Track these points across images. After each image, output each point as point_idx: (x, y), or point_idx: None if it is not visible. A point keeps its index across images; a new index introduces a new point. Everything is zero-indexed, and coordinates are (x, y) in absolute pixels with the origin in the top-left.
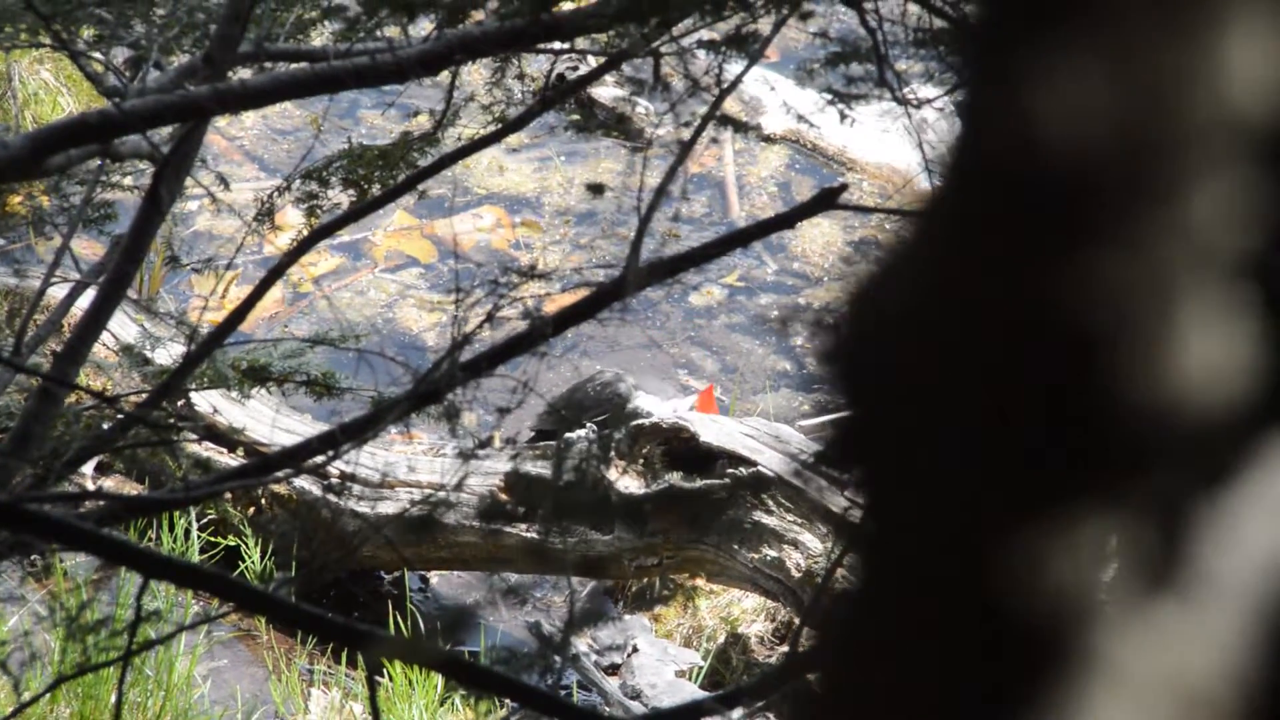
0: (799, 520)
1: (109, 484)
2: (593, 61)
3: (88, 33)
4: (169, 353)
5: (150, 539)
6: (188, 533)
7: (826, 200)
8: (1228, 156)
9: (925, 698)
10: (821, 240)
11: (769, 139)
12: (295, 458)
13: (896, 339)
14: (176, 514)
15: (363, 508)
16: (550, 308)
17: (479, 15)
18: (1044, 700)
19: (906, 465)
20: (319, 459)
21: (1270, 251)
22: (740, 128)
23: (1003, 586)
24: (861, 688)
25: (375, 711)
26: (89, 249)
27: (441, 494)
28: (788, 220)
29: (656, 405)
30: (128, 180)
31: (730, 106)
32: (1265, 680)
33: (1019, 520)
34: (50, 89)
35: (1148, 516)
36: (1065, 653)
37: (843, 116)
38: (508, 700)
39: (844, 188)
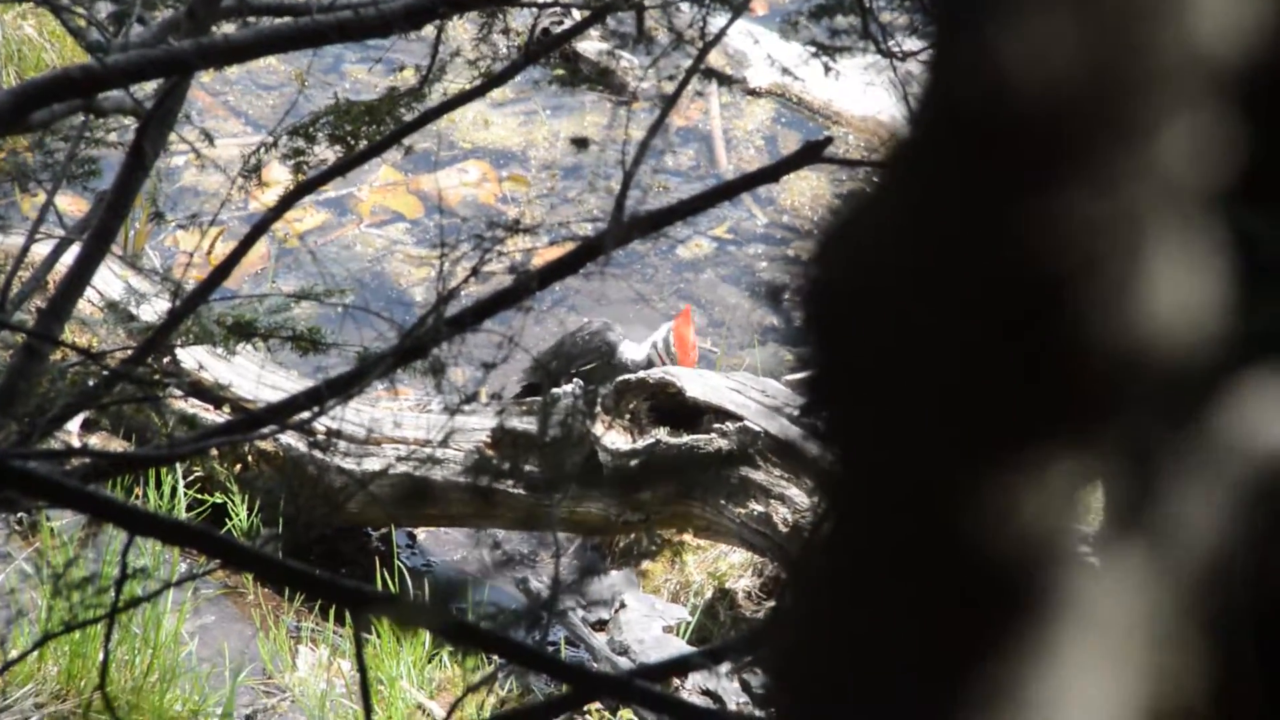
0: (785, 475)
1: (95, 441)
2: (577, 15)
3: None
4: (154, 309)
5: (137, 496)
6: (174, 490)
7: (812, 153)
8: (1195, 96)
9: (897, 642)
10: (810, 193)
11: (755, 92)
12: (281, 414)
13: (867, 281)
14: (163, 471)
15: (349, 464)
16: (537, 262)
17: None
18: (1015, 643)
19: (877, 408)
20: (305, 415)
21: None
22: (725, 81)
23: (973, 530)
24: (833, 634)
25: (362, 668)
26: (73, 205)
27: (428, 451)
28: (772, 173)
29: (632, 348)
30: (112, 136)
31: (715, 60)
32: (1231, 620)
33: (989, 463)
34: (34, 44)
35: (1117, 458)
36: (1036, 596)
37: (827, 69)
38: (496, 656)
39: (829, 140)
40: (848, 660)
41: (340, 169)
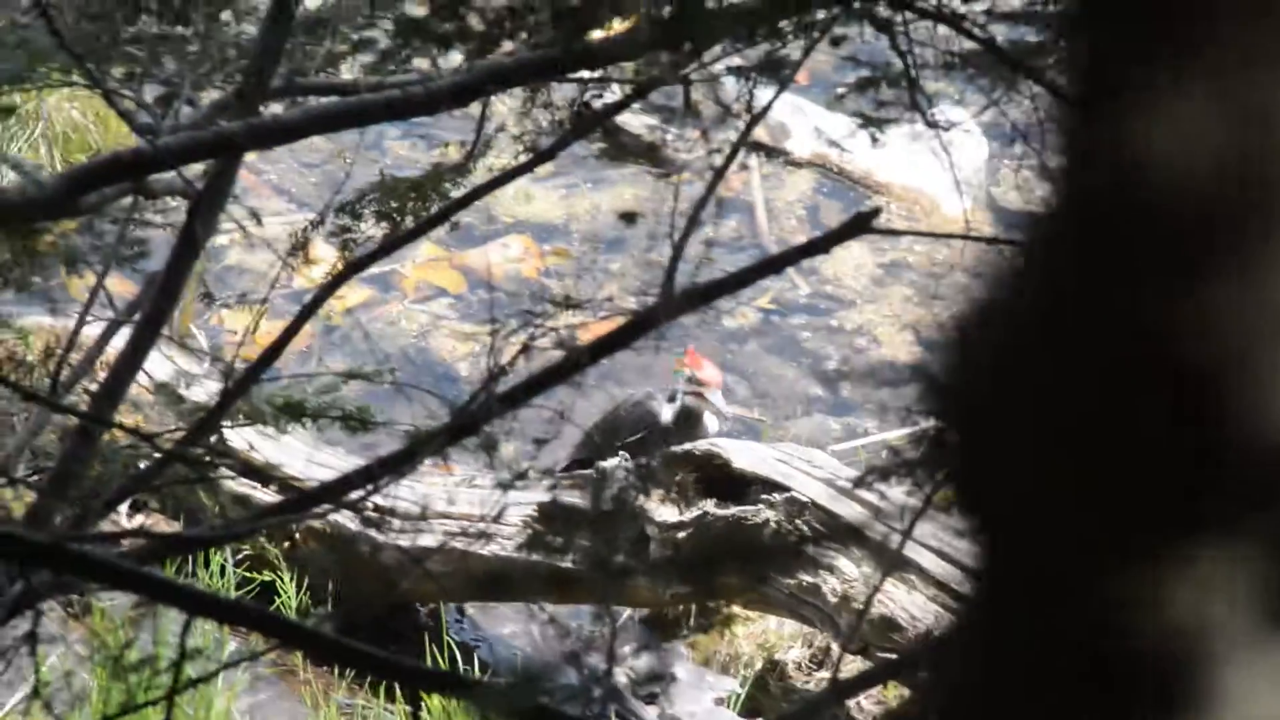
0: (834, 545)
1: (143, 521)
2: (617, 90)
3: (119, 70)
4: (204, 389)
5: (186, 576)
6: (223, 569)
7: (861, 224)
8: None
9: None
10: (852, 263)
11: (796, 163)
12: (335, 492)
13: (1007, 375)
14: (213, 550)
15: (403, 541)
16: (584, 336)
17: (509, 45)
18: None
19: (1022, 504)
20: (359, 493)
21: None
22: (770, 153)
23: (1122, 626)
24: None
25: None
26: (121, 287)
27: (480, 526)
28: (823, 244)
29: (667, 409)
30: (159, 217)
31: (757, 132)
32: None
33: (1137, 558)
34: (79, 127)
35: (1266, 552)
36: (1185, 690)
37: (874, 140)
38: None
39: (877, 211)
40: None
41: (390, 246)
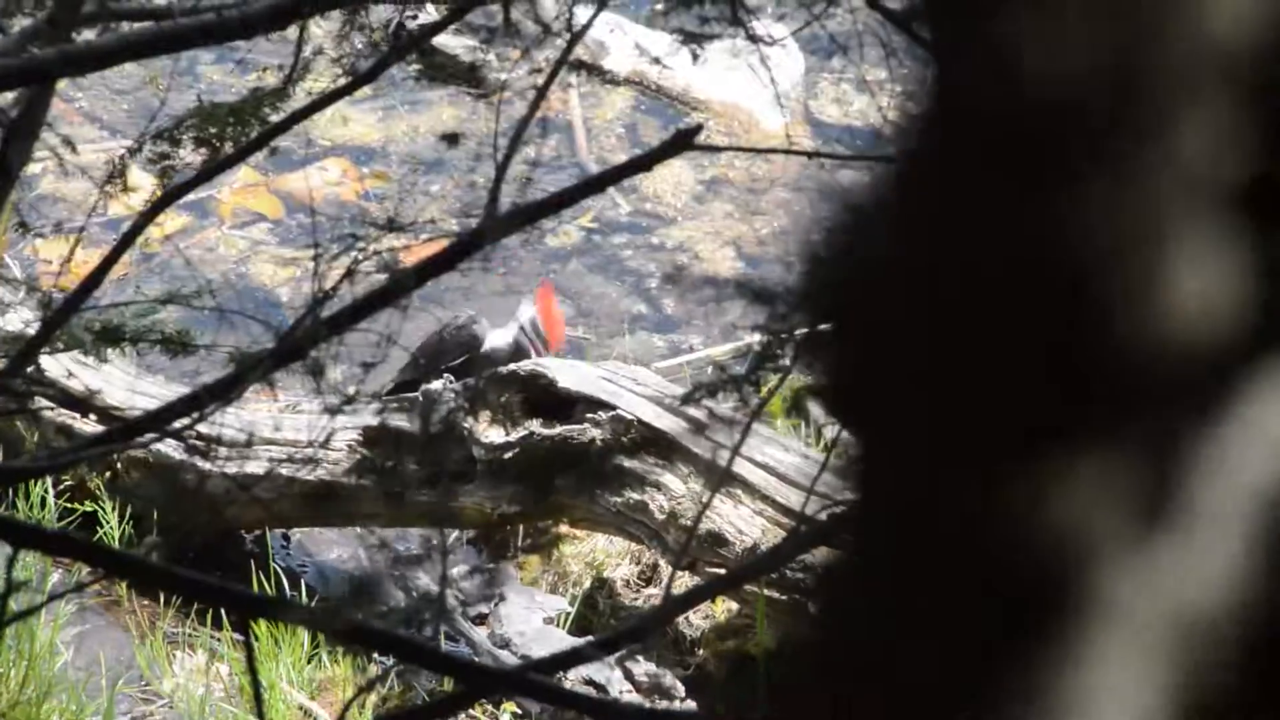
0: (660, 462)
1: None
2: (434, 10)
3: None
4: (19, 319)
5: (6, 507)
6: (43, 501)
7: (683, 141)
8: (1213, 85)
9: (926, 648)
10: (673, 180)
11: (613, 81)
12: (161, 420)
13: (884, 285)
14: (32, 481)
15: (230, 468)
16: (408, 259)
17: None
18: (1046, 643)
19: (900, 410)
20: (185, 421)
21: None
22: (591, 70)
23: (1001, 529)
24: (859, 642)
25: (254, 675)
26: None
27: (309, 452)
28: (645, 162)
29: (498, 335)
30: None
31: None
32: (1262, 611)
33: (1016, 461)
34: None
35: (1142, 453)
36: (1065, 594)
37: (695, 57)
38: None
39: (699, 128)
40: (875, 666)
41: (210, 173)
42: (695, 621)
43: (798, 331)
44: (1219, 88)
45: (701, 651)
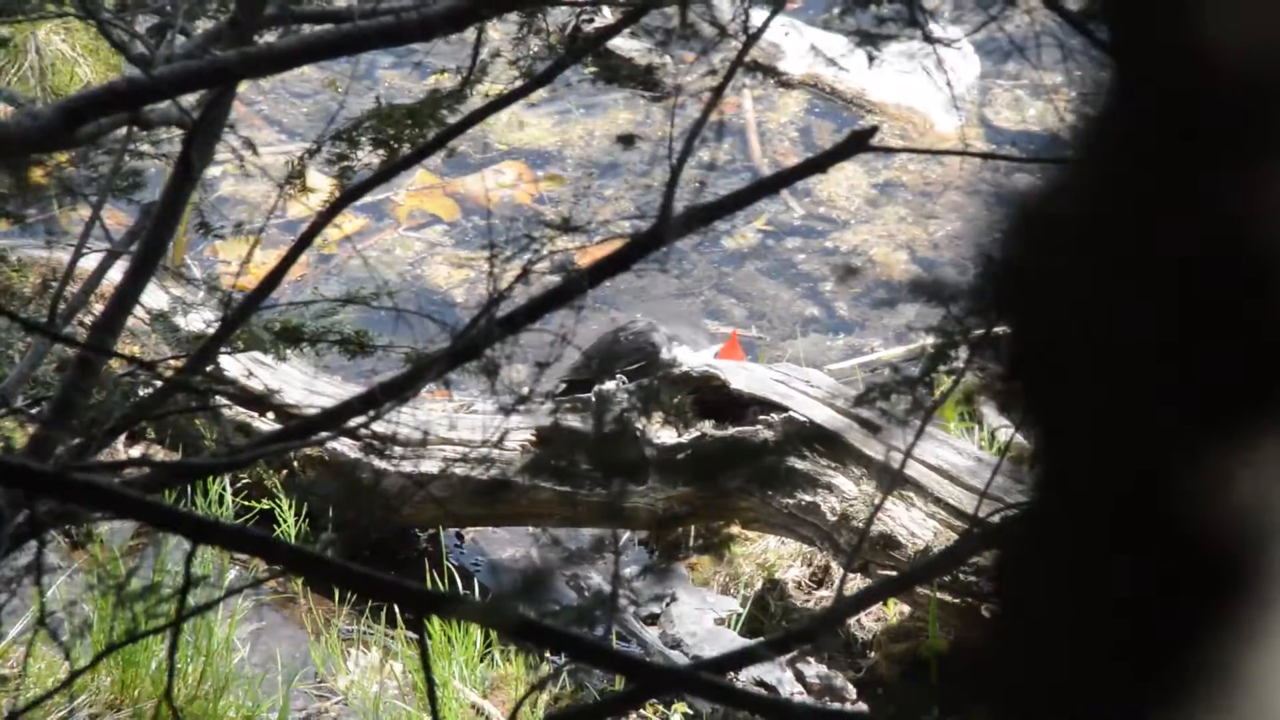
0: (833, 464)
1: (139, 452)
2: (610, 14)
3: (112, 1)
4: (200, 318)
5: (186, 505)
6: (221, 498)
7: (858, 142)
8: None
9: (1111, 622)
10: (846, 184)
11: (788, 84)
12: (337, 418)
13: (1073, 262)
14: (211, 479)
15: (405, 467)
16: (582, 260)
17: None
18: (1225, 619)
19: (1085, 384)
20: (361, 419)
21: None
22: (766, 72)
23: (1183, 505)
24: (1038, 613)
25: (428, 672)
26: (113, 219)
27: (484, 450)
28: (820, 164)
29: (689, 355)
30: (155, 148)
31: (750, 53)
32: None
33: (1199, 437)
34: (67, 59)
35: None
36: (1246, 571)
37: (870, 58)
38: (550, 654)
39: (874, 130)
40: (1060, 643)
41: (388, 173)
42: (867, 624)
43: (973, 333)
44: None
45: (873, 654)
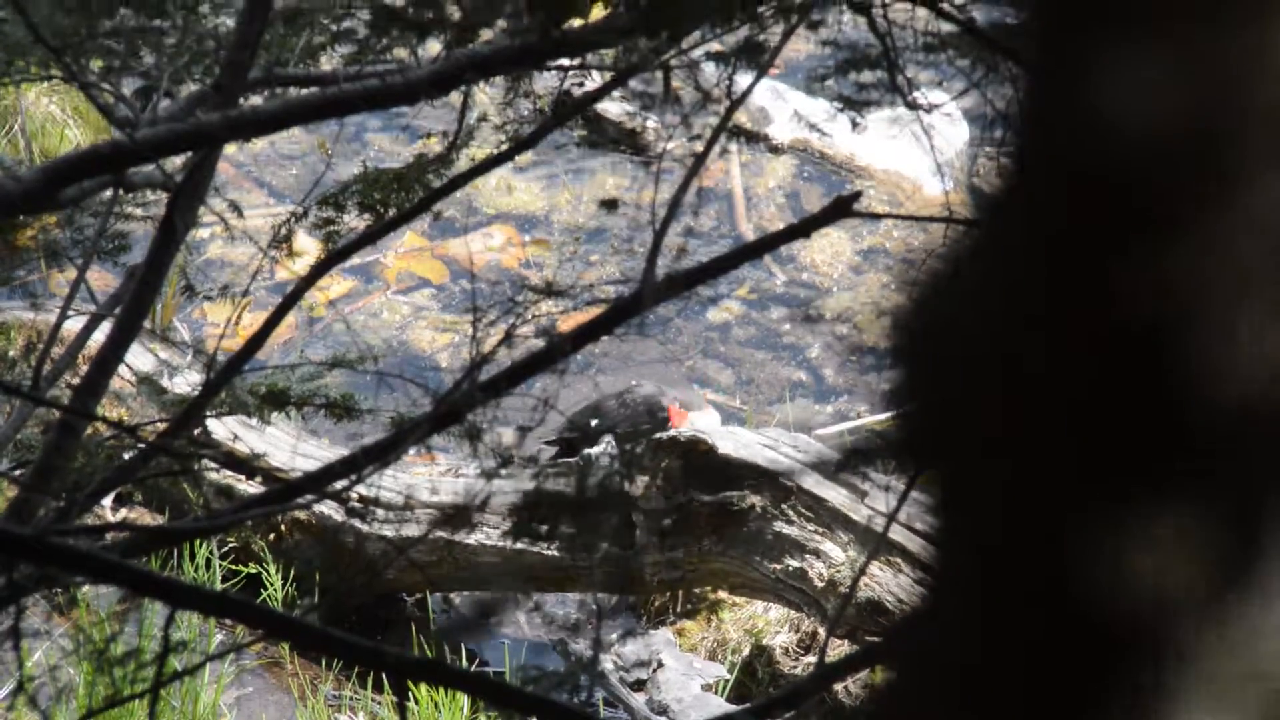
0: (820, 530)
1: (127, 515)
2: (598, 77)
3: (97, 64)
4: (186, 381)
5: (172, 569)
6: (208, 562)
7: (842, 208)
8: None
9: (1008, 695)
10: (830, 250)
11: (776, 149)
12: (319, 482)
13: (967, 333)
14: (198, 543)
15: (387, 530)
16: (565, 325)
17: (488, 34)
18: (1128, 696)
19: (980, 458)
20: (343, 483)
21: None
22: (751, 138)
23: (1084, 582)
24: (941, 687)
25: None
26: (100, 281)
27: (463, 502)
28: (803, 229)
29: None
30: (140, 211)
31: (737, 118)
32: None
33: (1098, 515)
34: (57, 121)
35: (1227, 511)
36: (1149, 648)
37: (854, 124)
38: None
39: (858, 195)
40: (960, 708)
41: (372, 236)
42: (854, 690)
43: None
44: None
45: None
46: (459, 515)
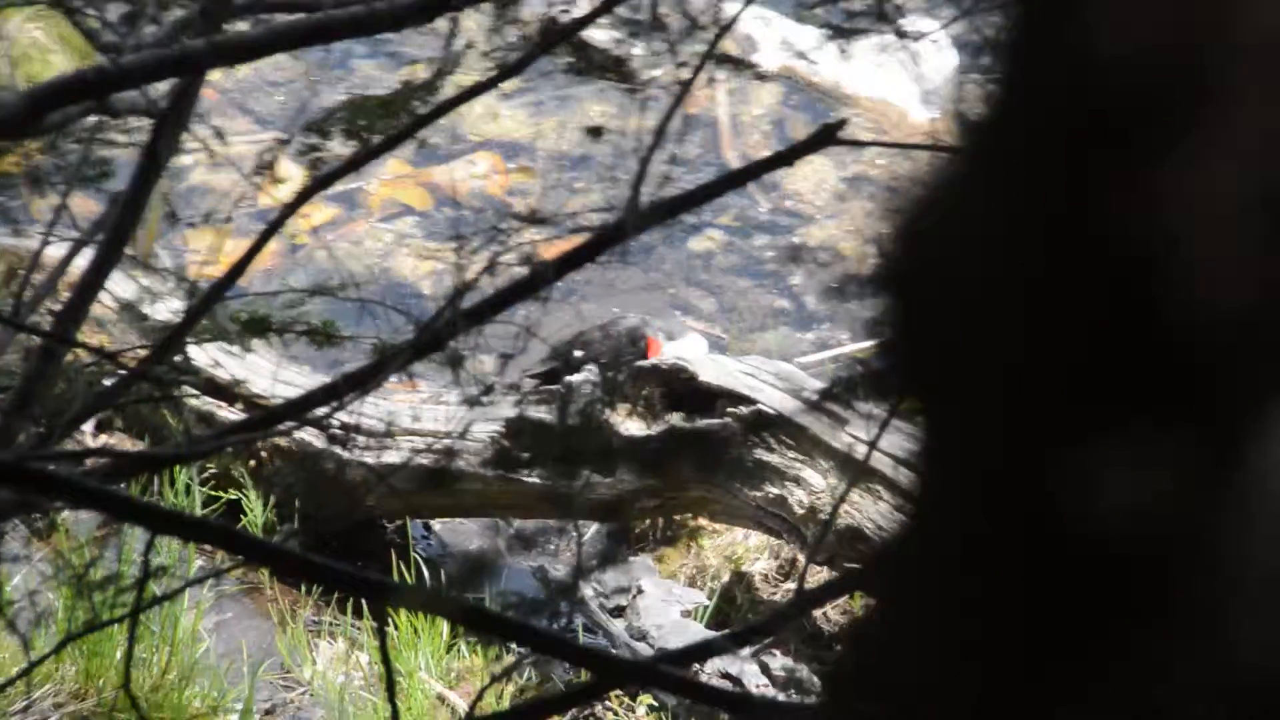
0: (800, 457)
1: (109, 440)
2: (585, 4)
3: None
4: (168, 308)
5: (152, 495)
6: (188, 488)
7: (827, 136)
8: (1269, 74)
9: (988, 624)
10: (815, 178)
11: (762, 76)
12: (300, 409)
13: (956, 265)
14: (178, 469)
15: (368, 458)
16: (549, 253)
17: None
18: (1111, 620)
19: (969, 387)
20: (323, 410)
21: None
22: (738, 65)
23: (1066, 505)
24: (921, 616)
25: (387, 662)
26: (83, 207)
27: (447, 442)
28: (787, 157)
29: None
30: (124, 137)
31: (722, 46)
32: None
33: (1081, 438)
34: (41, 47)
35: (1210, 430)
36: (1141, 568)
37: (842, 51)
38: (514, 645)
39: (843, 123)
40: (939, 653)
41: (356, 163)
42: (833, 616)
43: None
44: (1272, 73)
45: (839, 647)
46: (446, 455)
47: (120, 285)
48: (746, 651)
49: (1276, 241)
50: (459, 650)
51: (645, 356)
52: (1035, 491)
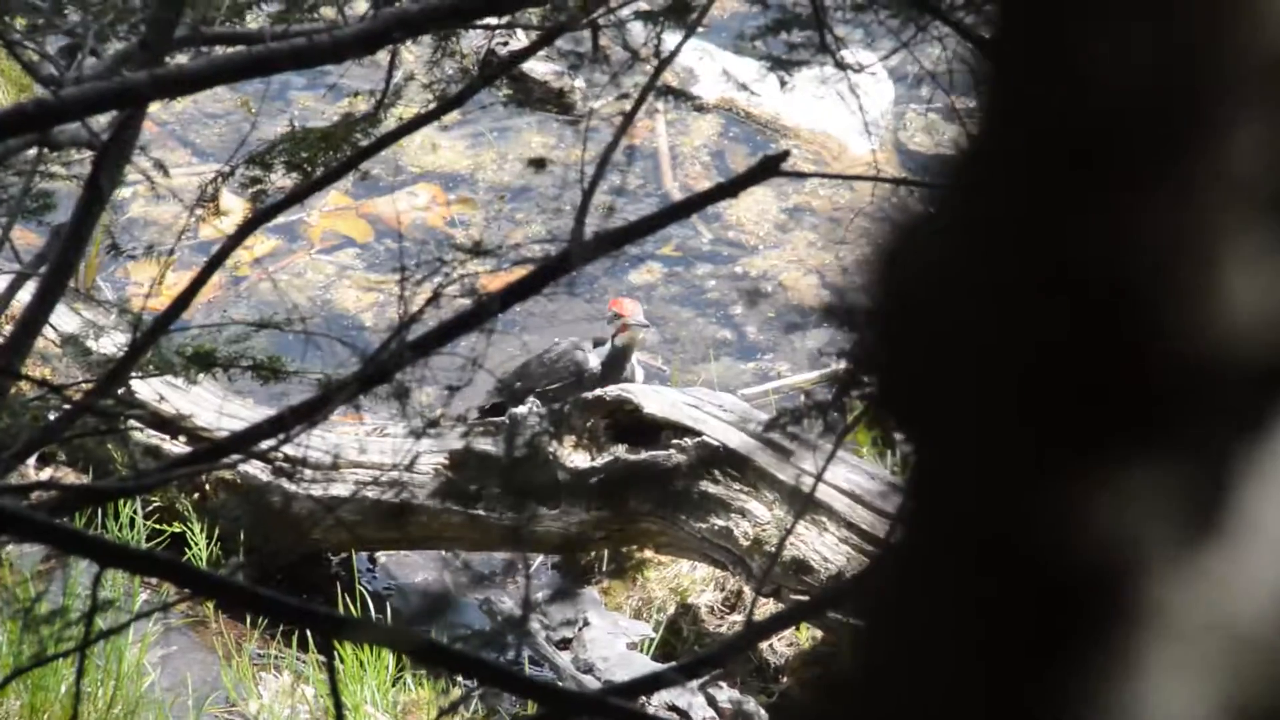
0: (746, 489)
1: (53, 474)
2: (524, 37)
3: (21, 22)
4: (112, 342)
5: (95, 528)
6: (133, 521)
7: (770, 167)
8: (1270, 97)
9: (971, 652)
10: (756, 209)
11: (702, 108)
12: (246, 442)
13: (936, 291)
14: (123, 502)
15: (315, 490)
16: (492, 284)
17: None
18: (1093, 650)
19: (953, 419)
20: (270, 442)
21: None
22: (679, 96)
23: (1050, 536)
24: (904, 643)
25: (336, 696)
26: (24, 240)
27: (394, 474)
28: (731, 189)
29: (595, 358)
30: (65, 169)
31: (663, 77)
32: None
33: (1065, 470)
34: None
35: (1193, 463)
36: (1114, 602)
37: (783, 83)
38: (461, 678)
39: (786, 154)
40: (918, 672)
41: (299, 196)
42: (779, 649)
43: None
44: (1274, 95)
45: (785, 679)
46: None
47: (63, 319)
48: (694, 683)
49: (1254, 267)
50: (405, 683)
51: (584, 379)
52: (1012, 522)
